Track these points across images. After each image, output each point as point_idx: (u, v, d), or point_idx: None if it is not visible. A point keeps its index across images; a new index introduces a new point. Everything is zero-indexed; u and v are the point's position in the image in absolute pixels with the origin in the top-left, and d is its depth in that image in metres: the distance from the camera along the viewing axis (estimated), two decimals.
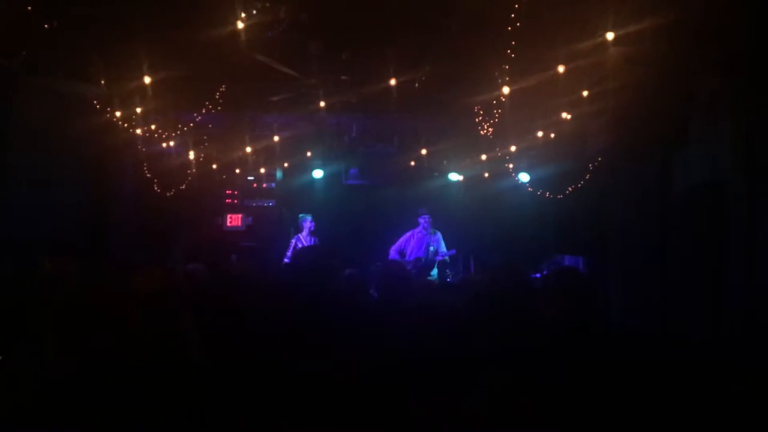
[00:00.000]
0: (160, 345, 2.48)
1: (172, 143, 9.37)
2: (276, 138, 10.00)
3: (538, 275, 8.68)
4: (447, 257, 10.54)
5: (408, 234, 10.62)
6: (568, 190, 9.26)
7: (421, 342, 2.98)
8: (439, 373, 2.73)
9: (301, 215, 10.58)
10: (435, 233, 10.52)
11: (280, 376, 2.68)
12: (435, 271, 10.45)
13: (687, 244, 6.38)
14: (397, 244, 10.60)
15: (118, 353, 2.24)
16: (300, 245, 10.16)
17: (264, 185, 12.42)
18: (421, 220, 10.51)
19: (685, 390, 2.49)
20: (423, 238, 10.51)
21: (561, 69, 6.14)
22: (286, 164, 11.72)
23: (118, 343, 2.26)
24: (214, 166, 10.99)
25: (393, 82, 7.24)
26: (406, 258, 10.43)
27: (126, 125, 8.01)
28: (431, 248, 10.44)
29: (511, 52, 6.09)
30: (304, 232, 10.40)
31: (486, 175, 11.50)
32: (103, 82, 7.12)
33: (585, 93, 6.98)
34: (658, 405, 2.35)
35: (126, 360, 2.26)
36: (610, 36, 5.47)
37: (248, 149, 10.17)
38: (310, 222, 10.41)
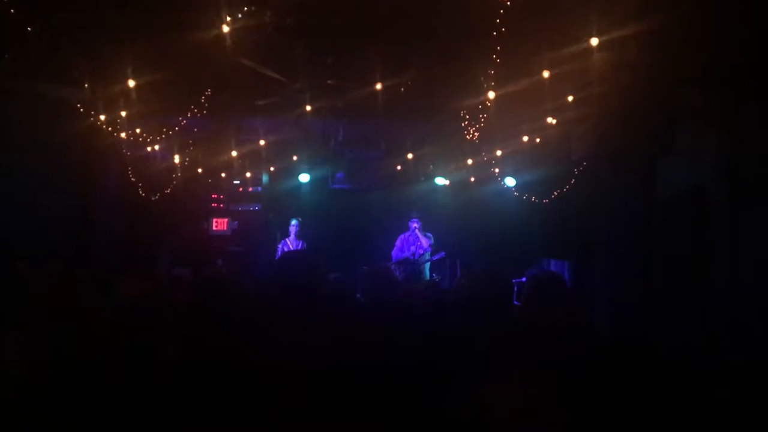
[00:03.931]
0: (138, 348, 2.46)
1: (157, 147, 9.32)
2: (262, 142, 9.98)
3: (523, 279, 8.69)
4: (430, 259, 10.56)
5: (401, 237, 10.67)
6: (554, 195, 9.29)
7: (403, 346, 2.98)
8: (421, 377, 2.73)
9: (292, 219, 10.56)
10: (426, 235, 10.55)
11: (265, 380, 2.66)
12: (426, 274, 10.50)
13: (672, 249, 6.42)
14: (397, 247, 10.65)
15: (93, 355, 2.23)
16: (287, 249, 10.15)
17: (250, 189, 12.38)
18: (411, 224, 10.55)
19: (671, 395, 2.50)
20: (413, 242, 10.55)
21: (546, 74, 6.17)
22: (272, 168, 11.69)
23: (94, 345, 2.25)
24: (200, 170, 10.94)
25: (379, 86, 7.24)
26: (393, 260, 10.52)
27: (110, 129, 7.96)
28: (419, 251, 10.48)
29: (497, 57, 6.11)
30: (291, 236, 10.38)
31: (472, 179, 11.54)
32: (86, 85, 7.07)
33: (570, 98, 7.01)
34: (643, 410, 2.35)
35: (100, 362, 2.24)
36: (595, 42, 5.50)
37: (234, 153, 10.14)
38: (294, 225, 10.38)
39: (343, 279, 5.13)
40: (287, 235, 10.47)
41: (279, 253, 10.27)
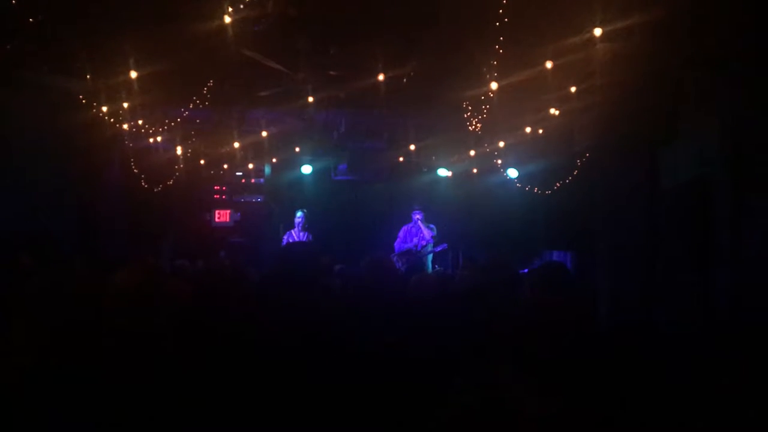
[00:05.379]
0: (137, 339, 2.47)
1: (159, 139, 9.32)
2: (264, 133, 9.98)
3: (526, 270, 8.70)
4: (432, 251, 10.56)
5: (404, 228, 10.68)
6: (556, 186, 9.28)
7: (408, 336, 2.98)
8: (427, 366, 2.73)
9: (297, 211, 10.54)
10: (428, 227, 10.55)
11: (267, 371, 2.66)
12: (429, 265, 10.51)
13: (674, 239, 6.42)
14: (399, 239, 10.65)
15: (90, 348, 2.24)
16: (291, 241, 10.14)
17: (252, 181, 12.38)
18: (413, 216, 10.55)
19: (672, 384, 2.50)
20: (415, 233, 10.56)
21: (549, 65, 6.16)
22: (274, 160, 11.67)
23: (91, 337, 2.25)
24: (202, 162, 10.95)
25: (381, 77, 7.23)
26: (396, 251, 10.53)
27: (113, 120, 7.95)
28: (422, 242, 10.49)
29: (500, 48, 6.10)
30: (296, 228, 10.36)
31: (474, 170, 11.53)
32: (89, 76, 7.06)
33: (573, 89, 7.00)
34: (645, 399, 2.36)
35: (100, 352, 2.25)
36: (597, 32, 5.48)
37: (236, 145, 10.14)
38: (300, 217, 10.34)
39: (347, 270, 5.14)
40: (292, 226, 10.44)
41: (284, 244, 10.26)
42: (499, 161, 10.25)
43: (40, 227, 7.31)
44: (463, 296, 3.75)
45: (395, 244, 10.67)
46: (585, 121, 8.17)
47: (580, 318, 3.10)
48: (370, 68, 7.26)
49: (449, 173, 11.86)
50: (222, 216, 12.23)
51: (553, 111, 7.70)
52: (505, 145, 9.55)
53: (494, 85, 6.58)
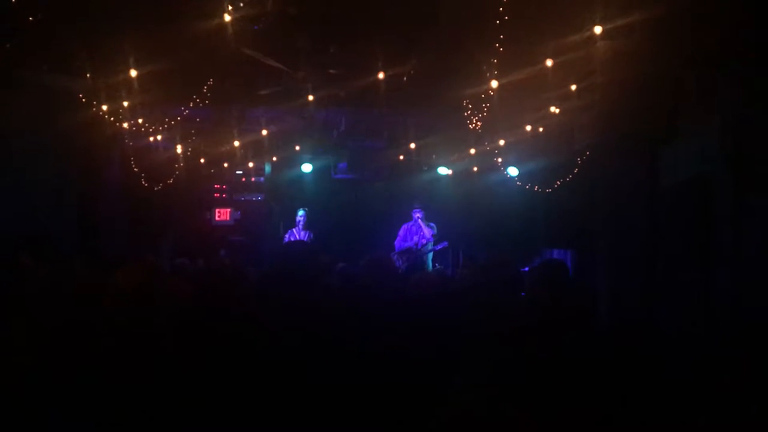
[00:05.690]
0: (137, 338, 2.47)
1: (159, 137, 9.31)
2: (264, 132, 9.98)
3: (527, 269, 8.69)
4: (432, 249, 10.56)
5: (404, 227, 10.68)
6: (557, 185, 9.28)
7: (409, 335, 2.98)
8: (427, 366, 2.73)
9: (299, 210, 10.53)
10: (429, 225, 10.54)
11: (267, 373, 2.66)
12: (429, 264, 10.51)
13: (674, 237, 6.41)
14: (400, 237, 10.65)
15: (90, 348, 2.23)
16: (293, 239, 10.13)
17: (252, 179, 12.37)
18: (414, 214, 10.55)
19: (672, 383, 2.50)
20: (416, 231, 10.56)
21: (549, 63, 6.15)
22: (274, 158, 11.68)
23: (91, 337, 2.25)
24: (202, 160, 10.94)
25: (381, 76, 7.22)
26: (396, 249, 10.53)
27: (113, 119, 7.95)
28: (422, 241, 10.49)
29: (500, 46, 6.09)
30: (298, 227, 10.35)
31: (475, 169, 11.51)
32: (88, 75, 7.06)
33: (573, 87, 6.99)
34: (645, 398, 2.36)
35: (101, 351, 2.25)
36: (598, 30, 5.48)
37: (236, 143, 10.13)
38: (302, 216, 10.33)
39: (349, 269, 5.13)
40: (293, 225, 10.43)
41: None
42: (500, 159, 10.24)
43: (40, 227, 7.31)
44: (463, 295, 3.75)
45: (395, 242, 10.67)
46: (585, 119, 8.17)
47: (580, 317, 3.10)
48: (370, 67, 7.26)
49: (449, 172, 11.85)
50: (222, 215, 12.22)
51: (553, 109, 7.70)
52: (505, 143, 9.54)
53: (494, 84, 6.58)
